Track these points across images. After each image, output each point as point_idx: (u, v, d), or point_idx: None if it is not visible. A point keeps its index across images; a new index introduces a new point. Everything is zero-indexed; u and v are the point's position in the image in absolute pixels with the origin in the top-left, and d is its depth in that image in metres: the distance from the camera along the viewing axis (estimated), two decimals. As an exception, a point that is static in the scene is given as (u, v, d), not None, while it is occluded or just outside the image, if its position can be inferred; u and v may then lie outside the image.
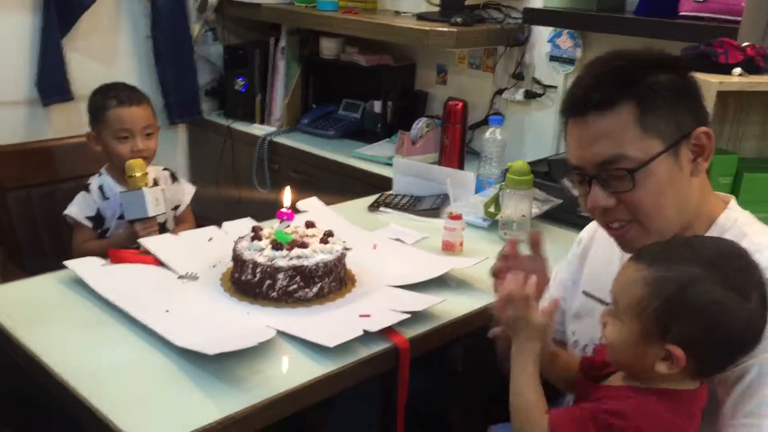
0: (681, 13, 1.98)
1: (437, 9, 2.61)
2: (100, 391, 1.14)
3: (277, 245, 1.45)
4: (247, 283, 1.44)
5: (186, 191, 2.10)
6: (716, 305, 0.92)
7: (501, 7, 2.53)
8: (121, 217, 1.90)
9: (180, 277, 1.52)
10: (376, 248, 1.73)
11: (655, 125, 1.05)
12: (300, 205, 1.91)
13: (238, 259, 1.46)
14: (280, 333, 1.31)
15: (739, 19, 1.79)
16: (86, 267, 1.51)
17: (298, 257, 1.44)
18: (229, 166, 3.02)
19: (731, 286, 0.92)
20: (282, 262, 1.42)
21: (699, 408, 0.99)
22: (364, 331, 1.31)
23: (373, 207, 2.04)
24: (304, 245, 1.46)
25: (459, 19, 2.35)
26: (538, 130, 2.53)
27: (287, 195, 1.53)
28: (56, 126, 2.72)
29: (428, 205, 2.02)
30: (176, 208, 2.08)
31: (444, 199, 2.04)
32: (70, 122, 2.71)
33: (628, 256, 1.17)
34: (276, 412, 1.15)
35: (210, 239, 1.71)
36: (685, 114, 1.06)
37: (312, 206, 1.93)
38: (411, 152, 2.46)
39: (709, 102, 1.56)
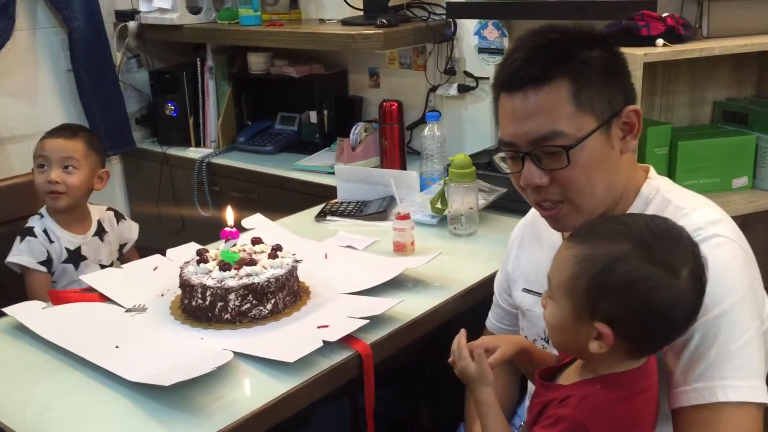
0: (599, -8, 2.01)
1: (360, 13, 2.60)
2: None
3: (224, 266, 1.41)
4: (198, 308, 1.40)
5: (132, 228, 2.05)
6: (643, 282, 0.89)
7: (424, 4, 2.53)
8: (66, 261, 1.84)
9: (128, 310, 1.47)
10: (328, 258, 1.70)
11: (589, 102, 1.03)
12: (245, 223, 1.87)
13: (186, 284, 1.42)
14: (238, 355, 1.27)
15: (656, -8, 1.82)
16: (27, 312, 1.44)
17: (248, 275, 1.40)
18: (168, 193, 2.95)
19: (660, 263, 0.90)
20: (232, 282, 1.38)
21: (645, 386, 0.96)
22: (324, 342, 1.28)
23: (320, 217, 2.01)
24: (252, 262, 1.43)
25: (384, 21, 2.34)
26: (475, 123, 2.54)
27: (229, 214, 1.49)
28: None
29: (375, 209, 2.00)
30: (122, 247, 2.02)
31: (390, 201, 2.03)
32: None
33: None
34: (243, 437, 1.12)
35: (155, 268, 1.66)
36: (616, 91, 1.06)
37: (257, 223, 1.89)
38: (352, 158, 2.44)
39: (638, 75, 1.58)
